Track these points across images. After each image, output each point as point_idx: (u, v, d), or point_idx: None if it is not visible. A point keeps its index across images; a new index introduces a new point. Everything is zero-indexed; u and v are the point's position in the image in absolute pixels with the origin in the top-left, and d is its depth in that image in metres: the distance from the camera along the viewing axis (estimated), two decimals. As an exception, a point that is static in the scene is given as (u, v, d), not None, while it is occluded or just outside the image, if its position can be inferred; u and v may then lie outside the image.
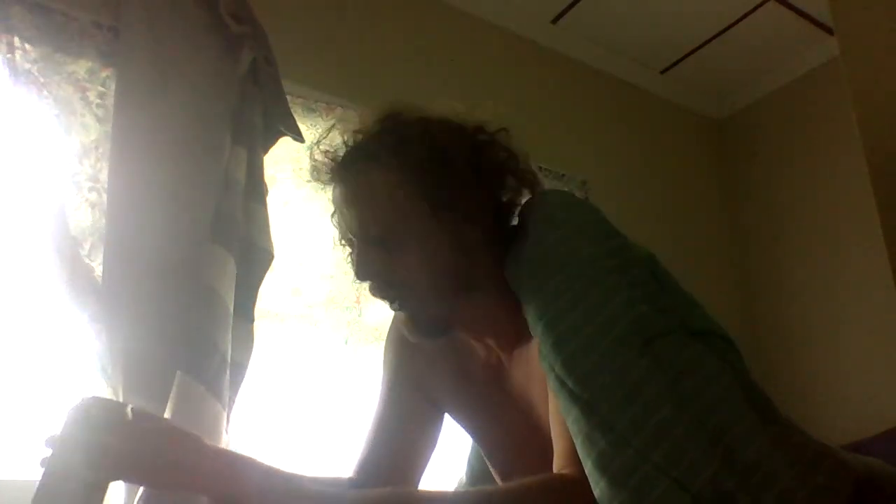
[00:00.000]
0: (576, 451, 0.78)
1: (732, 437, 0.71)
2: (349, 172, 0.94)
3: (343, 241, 1.02)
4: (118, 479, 0.88)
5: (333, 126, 0.97)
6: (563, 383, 0.79)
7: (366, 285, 0.98)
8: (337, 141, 0.96)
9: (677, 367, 0.75)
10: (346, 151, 0.95)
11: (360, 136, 0.95)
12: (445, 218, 0.91)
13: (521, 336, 0.92)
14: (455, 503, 0.75)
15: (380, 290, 0.93)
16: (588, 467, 0.75)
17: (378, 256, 0.91)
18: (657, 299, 0.82)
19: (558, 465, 0.84)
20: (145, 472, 0.87)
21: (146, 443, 0.89)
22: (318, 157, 0.96)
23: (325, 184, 0.97)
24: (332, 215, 1.01)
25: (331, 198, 0.97)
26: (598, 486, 0.74)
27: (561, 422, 0.82)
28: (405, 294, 0.93)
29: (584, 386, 0.76)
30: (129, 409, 0.88)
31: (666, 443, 0.71)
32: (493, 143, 0.96)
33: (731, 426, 0.72)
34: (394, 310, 0.96)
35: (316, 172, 0.97)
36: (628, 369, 0.75)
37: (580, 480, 0.76)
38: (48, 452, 0.85)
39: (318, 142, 0.96)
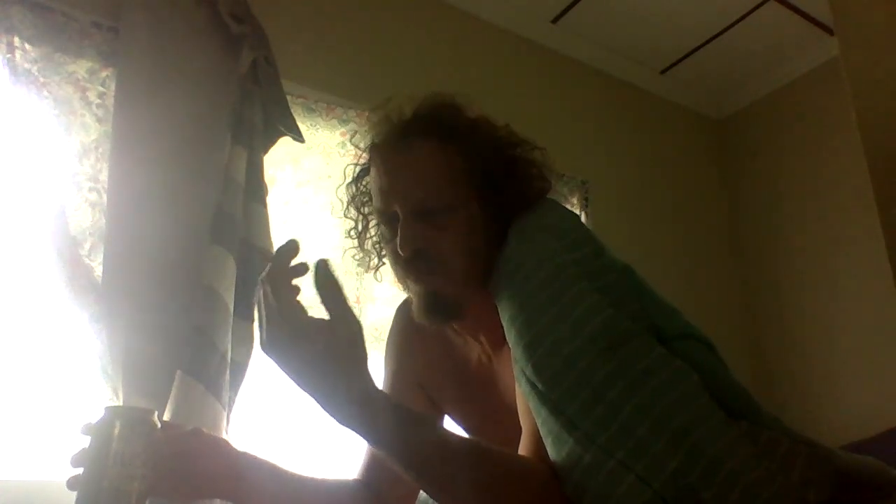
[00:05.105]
0: (539, 449, 0.81)
1: (696, 435, 0.73)
2: (408, 143, 0.96)
3: (366, 218, 1.05)
4: (156, 488, 0.85)
5: (387, 102, 1.00)
6: (533, 385, 0.81)
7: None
8: (389, 110, 0.99)
9: (640, 369, 0.77)
10: (403, 124, 0.98)
11: (413, 115, 0.98)
12: (486, 207, 0.95)
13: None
14: (457, 451, 0.78)
15: (414, 265, 0.93)
16: (558, 465, 0.77)
17: (423, 231, 0.92)
18: (625, 305, 0.84)
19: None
20: (181, 478, 0.89)
21: (180, 449, 0.90)
22: (371, 123, 1.00)
23: (366, 150, 1.01)
24: (352, 181, 1.05)
25: (370, 169, 0.99)
26: (568, 484, 0.76)
27: (529, 424, 0.85)
28: (438, 269, 0.93)
29: (552, 387, 0.79)
30: (155, 416, 0.85)
31: (629, 441, 0.73)
32: (530, 153, 1.02)
33: (695, 425, 0.73)
34: (418, 286, 0.95)
35: (361, 138, 1.02)
36: (593, 371, 0.77)
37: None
38: (77, 471, 0.82)
39: (375, 109, 1.01)
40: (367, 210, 1.07)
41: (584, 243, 0.90)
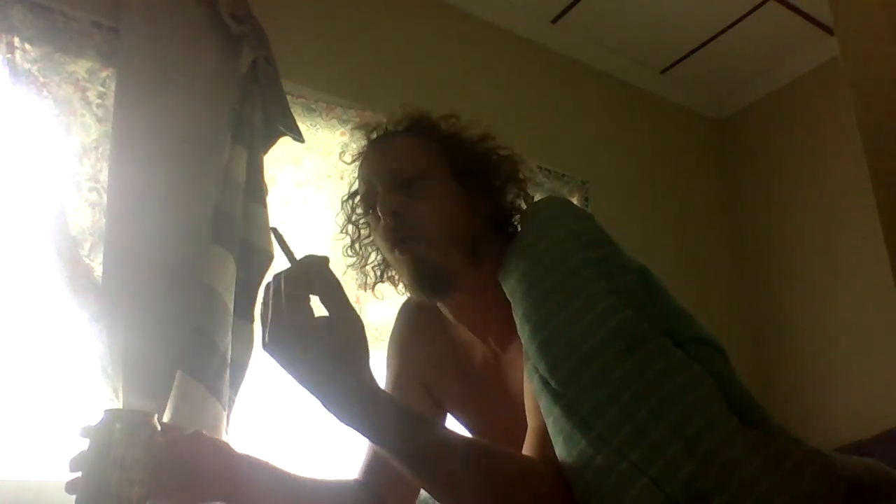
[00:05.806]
0: (544, 447, 0.80)
1: (710, 441, 0.72)
2: (387, 139, 1.05)
3: (359, 213, 1.09)
4: (156, 493, 0.84)
5: (366, 123, 1.11)
6: (546, 383, 0.81)
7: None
8: (372, 125, 1.09)
9: (657, 371, 0.77)
10: (385, 132, 1.07)
11: (390, 126, 1.07)
12: (463, 184, 1.01)
13: (515, 335, 0.93)
14: (458, 451, 0.78)
15: (396, 231, 0.96)
16: (568, 465, 0.77)
17: (399, 198, 0.97)
18: (642, 307, 0.84)
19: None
20: (181, 483, 0.89)
21: (180, 453, 0.89)
22: (355, 136, 1.11)
23: (355, 157, 1.08)
24: (346, 198, 1.12)
25: (356, 173, 1.08)
26: (578, 485, 0.75)
27: (536, 422, 0.84)
28: (417, 234, 0.96)
29: (567, 386, 0.78)
30: (155, 420, 0.85)
31: (643, 444, 0.72)
32: (500, 146, 1.07)
33: (709, 431, 0.73)
34: (404, 255, 0.97)
35: (350, 148, 1.11)
36: (609, 372, 0.77)
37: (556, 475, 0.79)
38: (75, 474, 0.81)
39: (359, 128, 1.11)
40: (362, 226, 1.11)
41: (602, 243, 0.91)
